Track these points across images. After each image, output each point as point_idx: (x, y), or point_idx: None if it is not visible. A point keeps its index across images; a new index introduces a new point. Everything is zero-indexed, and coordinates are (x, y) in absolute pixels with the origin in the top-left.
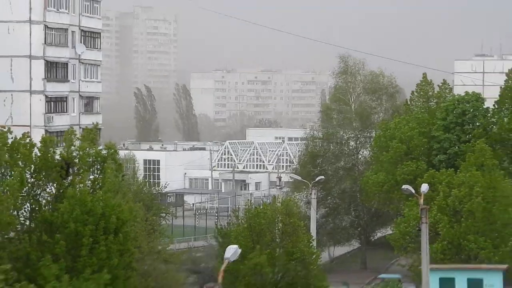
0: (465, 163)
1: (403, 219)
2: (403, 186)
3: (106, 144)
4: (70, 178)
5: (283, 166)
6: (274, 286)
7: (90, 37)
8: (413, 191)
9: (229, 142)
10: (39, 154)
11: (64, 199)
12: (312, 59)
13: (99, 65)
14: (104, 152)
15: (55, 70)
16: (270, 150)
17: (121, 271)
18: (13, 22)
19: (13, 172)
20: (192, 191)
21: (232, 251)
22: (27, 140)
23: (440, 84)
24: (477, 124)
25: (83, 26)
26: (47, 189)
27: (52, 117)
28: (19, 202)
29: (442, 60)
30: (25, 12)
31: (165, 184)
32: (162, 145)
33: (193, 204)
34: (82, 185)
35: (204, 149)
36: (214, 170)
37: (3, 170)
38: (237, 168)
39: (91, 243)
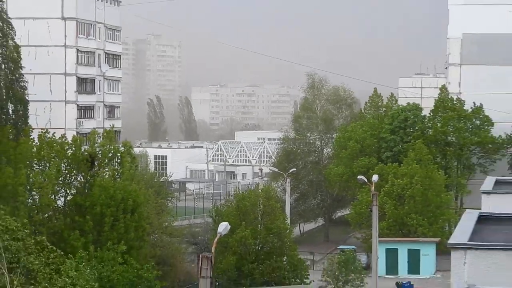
0: (407, 159)
1: (358, 202)
2: (358, 177)
3: (123, 142)
4: (95, 169)
5: (264, 160)
6: (256, 254)
7: (112, 58)
8: (366, 180)
9: (221, 142)
10: (70, 151)
11: (94, 187)
12: (287, 77)
13: (119, 81)
14: (121, 148)
15: (85, 84)
16: (253, 148)
17: (135, 242)
18: (52, 46)
19: (50, 164)
20: (192, 180)
21: (223, 227)
22: (63, 140)
23: (388, 97)
24: (416, 128)
25: (107, 50)
26: (78, 178)
27: (82, 121)
28: (56, 188)
29: (389, 78)
30: (61, 39)
31: (171, 174)
32: (169, 144)
33: (193, 190)
34: (105, 175)
35: (201, 147)
36: (209, 163)
37: (43, 163)
38: (228, 162)
39: (112, 221)
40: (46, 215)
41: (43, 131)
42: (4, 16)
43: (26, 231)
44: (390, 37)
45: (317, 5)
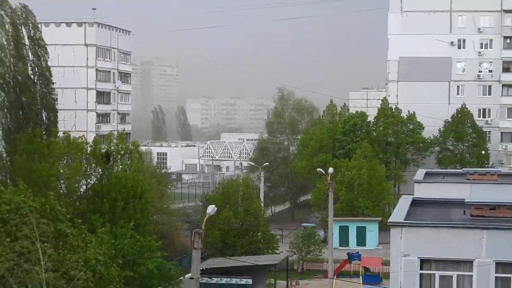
0: (355, 155)
1: (317, 189)
2: (318, 169)
3: (132, 142)
4: (110, 163)
5: (243, 156)
6: (237, 230)
7: (124, 76)
8: (324, 172)
9: (210, 142)
10: (90, 149)
11: (110, 177)
12: (261, 90)
13: (130, 94)
14: (131, 147)
15: (102, 96)
16: (235, 147)
17: (142, 221)
18: (76, 66)
19: (74, 159)
20: (187, 172)
21: (211, 209)
22: (82, 140)
23: (341, 106)
24: (363, 131)
25: (120, 69)
26: (97, 171)
27: (100, 126)
28: (79, 178)
29: (341, 91)
30: (84, 61)
31: (170, 167)
32: (168, 143)
33: (187, 180)
34: (118, 168)
35: (194, 146)
36: (200, 159)
37: (68, 158)
38: (215, 157)
39: (124, 205)
40: (72, 199)
41: (66, 134)
42: (41, 42)
43: (68, 216)
44: (343, 59)
45: (284, 35)
